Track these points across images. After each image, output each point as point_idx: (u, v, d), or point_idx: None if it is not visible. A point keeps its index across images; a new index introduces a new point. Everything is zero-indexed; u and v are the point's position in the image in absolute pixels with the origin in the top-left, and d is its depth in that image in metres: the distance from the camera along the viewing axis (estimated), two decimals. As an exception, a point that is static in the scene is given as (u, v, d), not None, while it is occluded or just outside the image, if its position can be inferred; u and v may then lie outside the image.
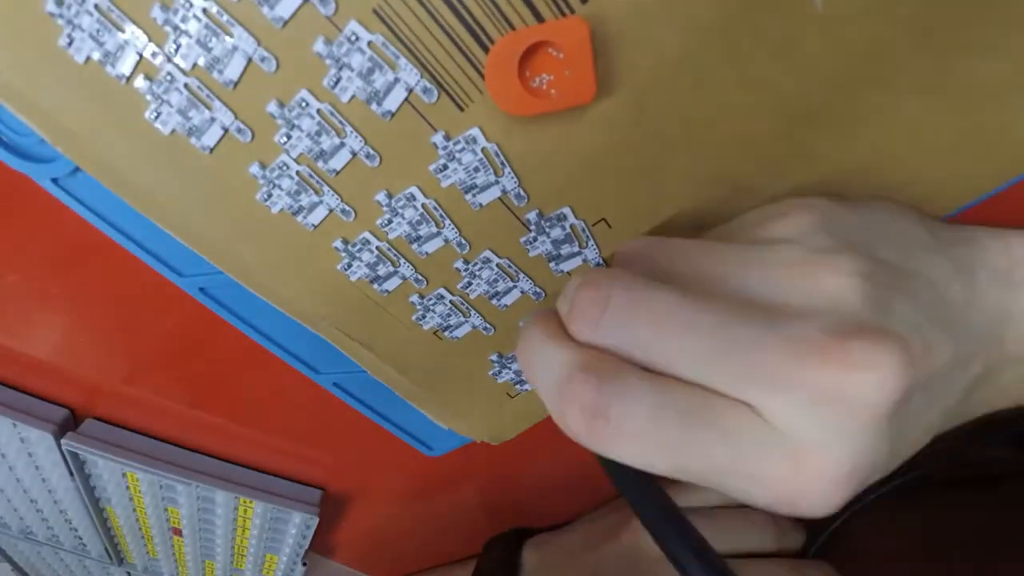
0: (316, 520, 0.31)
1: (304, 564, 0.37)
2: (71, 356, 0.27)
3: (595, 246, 0.17)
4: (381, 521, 0.36)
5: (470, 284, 0.19)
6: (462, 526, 0.35)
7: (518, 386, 0.22)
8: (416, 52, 0.14)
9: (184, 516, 0.34)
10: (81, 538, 0.40)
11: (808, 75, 0.14)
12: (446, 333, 0.20)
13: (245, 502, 0.32)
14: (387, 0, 0.13)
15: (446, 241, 0.18)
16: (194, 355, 0.26)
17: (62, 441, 0.29)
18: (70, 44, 0.15)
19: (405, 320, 0.20)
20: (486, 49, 0.14)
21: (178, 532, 0.37)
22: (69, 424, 0.30)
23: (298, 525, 0.33)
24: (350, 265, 0.18)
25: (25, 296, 0.24)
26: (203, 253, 0.18)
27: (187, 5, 0.14)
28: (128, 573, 0.43)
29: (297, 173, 0.16)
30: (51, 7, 0.14)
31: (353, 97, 0.15)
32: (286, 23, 0.14)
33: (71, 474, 0.32)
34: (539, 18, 0.13)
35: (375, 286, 0.19)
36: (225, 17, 0.14)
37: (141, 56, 0.15)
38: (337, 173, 0.16)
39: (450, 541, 0.38)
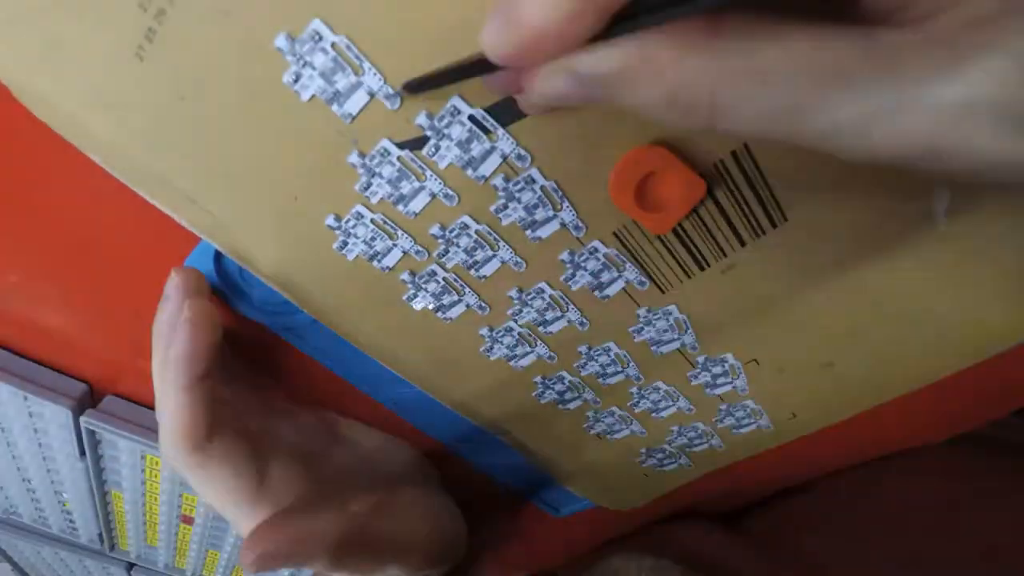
0: None
1: None
2: (90, 327, 0.25)
3: (744, 377, 0.22)
4: None
5: (638, 403, 0.23)
6: None
7: (657, 468, 0.26)
8: (639, 258, 0.18)
9: (201, 503, 0.33)
10: (73, 522, 0.38)
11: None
12: (608, 436, 0.24)
13: None
14: (626, 226, 0.17)
15: (627, 376, 0.22)
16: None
17: (82, 418, 0.26)
18: (343, 248, 0.18)
19: (578, 429, 0.24)
20: (694, 257, 0.18)
21: (188, 520, 0.36)
22: (87, 400, 0.27)
23: None
24: (543, 393, 0.22)
25: (48, 261, 0.22)
26: (424, 387, 0.22)
27: (463, 226, 0.17)
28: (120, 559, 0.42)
29: (519, 334, 0.20)
30: (330, 222, 0.18)
31: (582, 287, 0.19)
32: (542, 240, 0.18)
33: (82, 453, 0.29)
34: (740, 240, 0.17)
35: (559, 406, 0.23)
36: (494, 236, 0.18)
37: (406, 253, 0.18)
38: (552, 334, 0.20)
39: None
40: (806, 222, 0.17)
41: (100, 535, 0.39)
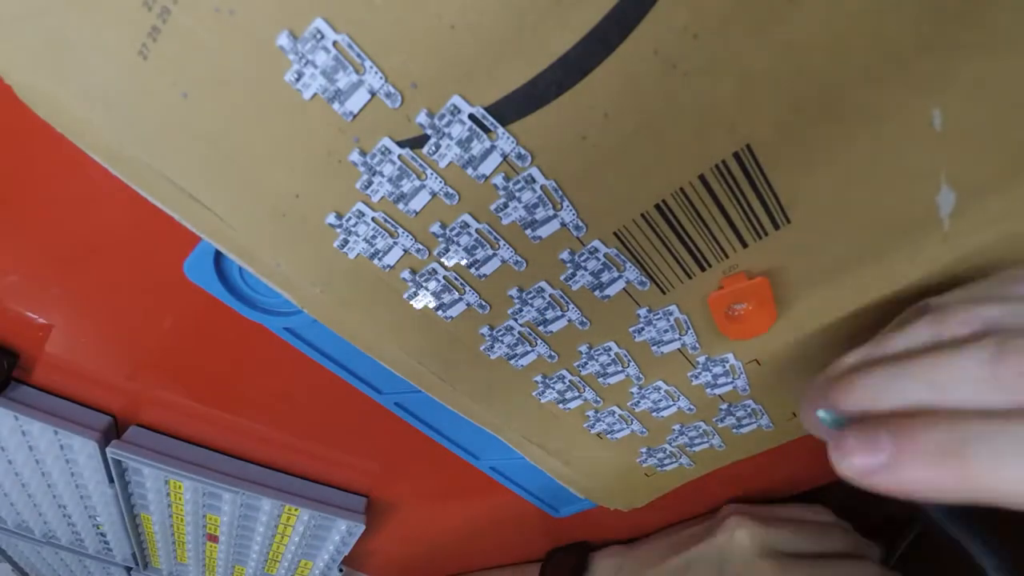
0: (362, 527, 0.31)
1: (341, 570, 0.38)
2: (113, 363, 0.26)
3: (745, 378, 0.22)
4: (418, 532, 0.37)
5: (639, 403, 0.23)
6: (507, 541, 0.37)
7: (658, 468, 0.26)
8: (640, 258, 0.18)
9: (224, 523, 0.34)
10: (108, 543, 0.41)
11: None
12: (608, 435, 0.24)
13: (290, 509, 0.32)
14: (626, 227, 0.17)
15: (628, 376, 0.22)
16: (240, 363, 0.25)
17: (108, 449, 0.28)
18: (344, 246, 0.18)
19: (579, 428, 0.24)
20: (695, 258, 0.18)
21: (213, 538, 0.37)
22: (112, 431, 0.29)
23: (343, 532, 0.33)
24: (544, 393, 0.22)
25: (72, 306, 0.24)
26: (423, 387, 0.22)
27: (464, 225, 0.17)
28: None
29: (519, 333, 0.20)
30: (331, 220, 0.18)
31: (582, 287, 0.19)
32: (543, 240, 0.18)
33: (110, 481, 0.32)
34: (742, 242, 0.17)
35: (560, 405, 0.23)
36: (494, 235, 0.18)
37: (407, 252, 0.18)
38: (552, 334, 0.20)
39: (488, 554, 0.39)
40: (809, 223, 0.17)
41: (133, 554, 0.42)
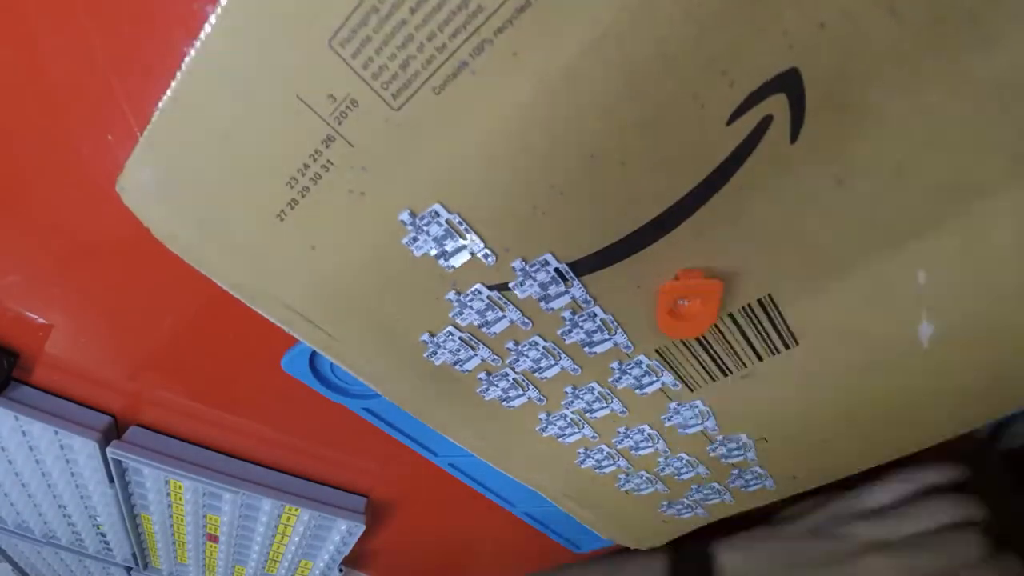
0: (362, 527, 0.32)
1: (341, 571, 0.38)
2: (113, 363, 0.26)
3: (755, 451, 0.26)
4: (419, 532, 0.38)
5: (664, 468, 0.27)
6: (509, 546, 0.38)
7: (676, 516, 0.30)
8: (675, 366, 0.22)
9: (224, 523, 0.35)
10: (108, 543, 0.41)
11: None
12: (634, 492, 0.28)
13: (290, 509, 0.32)
14: (667, 346, 0.21)
15: (657, 451, 0.26)
16: (240, 363, 0.25)
17: (108, 449, 0.28)
18: (432, 355, 0.22)
19: (611, 486, 0.28)
20: (719, 366, 0.22)
21: (213, 539, 0.38)
22: (112, 432, 0.29)
23: (343, 532, 0.33)
24: (584, 461, 0.26)
25: (72, 306, 0.24)
26: (485, 458, 0.26)
27: (534, 343, 0.21)
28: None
29: (570, 419, 0.24)
30: (424, 337, 0.21)
31: (625, 387, 0.23)
32: (597, 354, 0.21)
33: (110, 481, 0.32)
34: (758, 355, 0.21)
35: (596, 471, 0.27)
36: (557, 350, 0.21)
37: (484, 361, 0.22)
38: (596, 418, 0.24)
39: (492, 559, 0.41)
40: (813, 347, 0.21)
41: (133, 554, 0.42)
